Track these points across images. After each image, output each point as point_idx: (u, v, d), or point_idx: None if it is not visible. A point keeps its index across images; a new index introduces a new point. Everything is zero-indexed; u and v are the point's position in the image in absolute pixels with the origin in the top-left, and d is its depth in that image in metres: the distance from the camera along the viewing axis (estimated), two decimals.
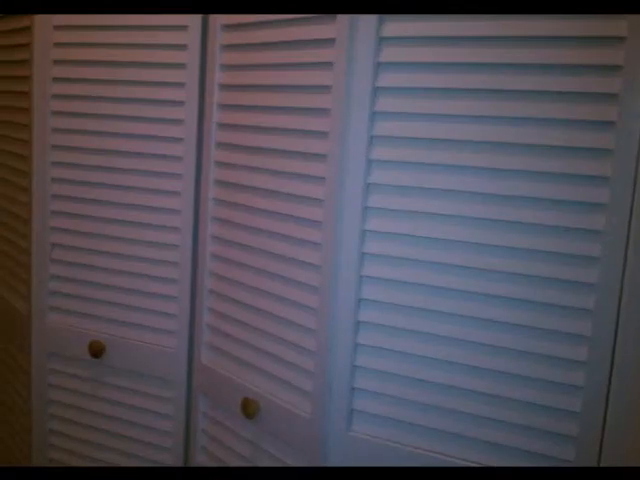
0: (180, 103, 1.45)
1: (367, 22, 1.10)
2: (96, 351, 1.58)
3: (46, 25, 1.55)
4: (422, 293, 1.11)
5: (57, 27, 1.55)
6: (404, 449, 1.15)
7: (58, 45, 1.55)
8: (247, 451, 1.39)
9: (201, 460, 1.52)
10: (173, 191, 1.48)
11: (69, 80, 1.56)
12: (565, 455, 1.03)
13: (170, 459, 1.58)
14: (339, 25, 1.14)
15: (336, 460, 1.21)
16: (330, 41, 1.16)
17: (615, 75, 0.95)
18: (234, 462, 1.43)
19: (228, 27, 1.36)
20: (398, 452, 1.15)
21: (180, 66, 1.44)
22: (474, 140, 1.05)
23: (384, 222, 1.13)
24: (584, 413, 1.00)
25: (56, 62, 1.56)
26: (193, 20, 1.41)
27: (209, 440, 1.50)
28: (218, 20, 1.37)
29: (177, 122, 1.46)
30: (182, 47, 1.43)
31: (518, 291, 1.03)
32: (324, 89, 1.18)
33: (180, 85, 1.44)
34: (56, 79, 1.57)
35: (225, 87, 1.38)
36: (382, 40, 1.11)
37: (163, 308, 1.54)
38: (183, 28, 1.42)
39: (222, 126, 1.39)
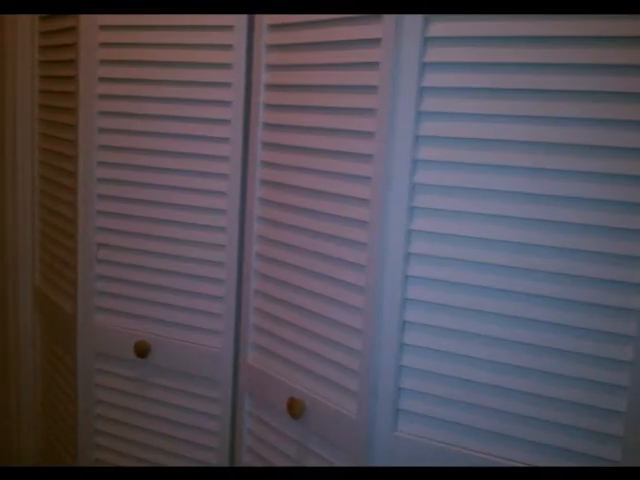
0: (226, 103, 1.55)
1: (413, 22, 1.18)
2: (142, 351, 1.69)
3: (92, 25, 1.65)
4: (467, 293, 1.19)
5: (103, 27, 1.65)
6: (450, 449, 1.23)
7: (104, 45, 1.66)
8: (293, 451, 1.48)
9: (247, 460, 1.63)
10: (219, 191, 1.59)
11: (115, 80, 1.66)
12: (611, 455, 1.10)
13: (216, 459, 1.69)
14: (385, 25, 1.22)
15: (382, 460, 1.30)
16: (376, 41, 1.25)
17: None
18: (280, 462, 1.53)
19: (274, 27, 1.45)
20: (444, 452, 1.24)
21: (226, 66, 1.54)
22: (519, 140, 1.12)
23: (430, 222, 1.22)
24: (629, 413, 1.07)
25: (102, 62, 1.67)
26: (239, 20, 1.50)
27: (255, 440, 1.60)
28: (264, 20, 1.46)
29: (223, 122, 1.56)
30: (228, 47, 1.53)
31: (563, 291, 1.11)
32: (370, 89, 1.27)
33: (226, 85, 1.54)
34: (102, 79, 1.67)
35: (271, 87, 1.47)
36: (427, 40, 1.19)
37: (209, 308, 1.64)
38: (229, 28, 1.52)
39: (268, 126, 1.49)
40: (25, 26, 1.97)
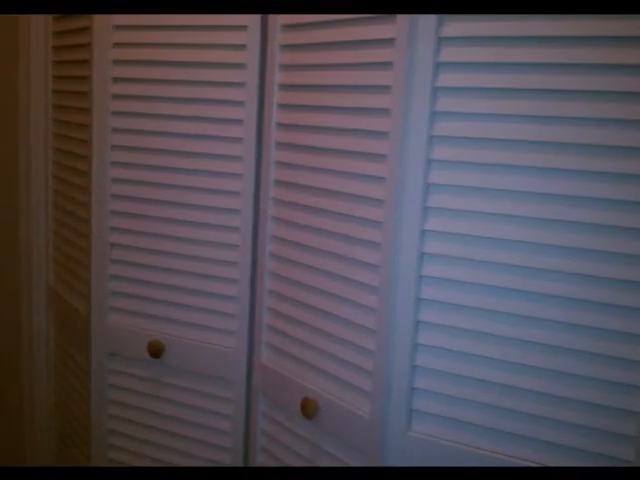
0: (240, 103, 1.57)
1: (427, 22, 1.20)
2: (155, 351, 1.72)
3: (106, 25, 1.68)
4: (481, 293, 1.21)
5: (116, 27, 1.68)
6: (463, 449, 1.25)
7: (118, 45, 1.69)
8: (306, 451, 1.51)
9: (261, 460, 1.66)
10: (233, 191, 1.61)
11: (129, 80, 1.69)
12: (624, 455, 1.12)
13: (229, 459, 1.72)
14: (399, 25, 1.24)
15: (395, 460, 1.33)
16: (390, 41, 1.27)
17: None
18: (293, 462, 1.56)
19: (287, 27, 1.48)
20: (457, 452, 1.26)
21: (240, 66, 1.56)
22: (533, 140, 1.14)
23: (444, 222, 1.24)
24: None
25: (116, 62, 1.70)
26: (252, 20, 1.53)
27: (268, 440, 1.62)
28: (277, 20, 1.49)
29: (237, 122, 1.58)
30: (242, 47, 1.55)
31: (577, 291, 1.13)
32: (384, 89, 1.29)
33: (240, 85, 1.57)
34: (116, 79, 1.70)
35: (285, 87, 1.50)
36: (442, 40, 1.21)
37: (223, 308, 1.67)
38: (243, 28, 1.55)
39: (282, 126, 1.51)
40: (39, 26, 2.00)
